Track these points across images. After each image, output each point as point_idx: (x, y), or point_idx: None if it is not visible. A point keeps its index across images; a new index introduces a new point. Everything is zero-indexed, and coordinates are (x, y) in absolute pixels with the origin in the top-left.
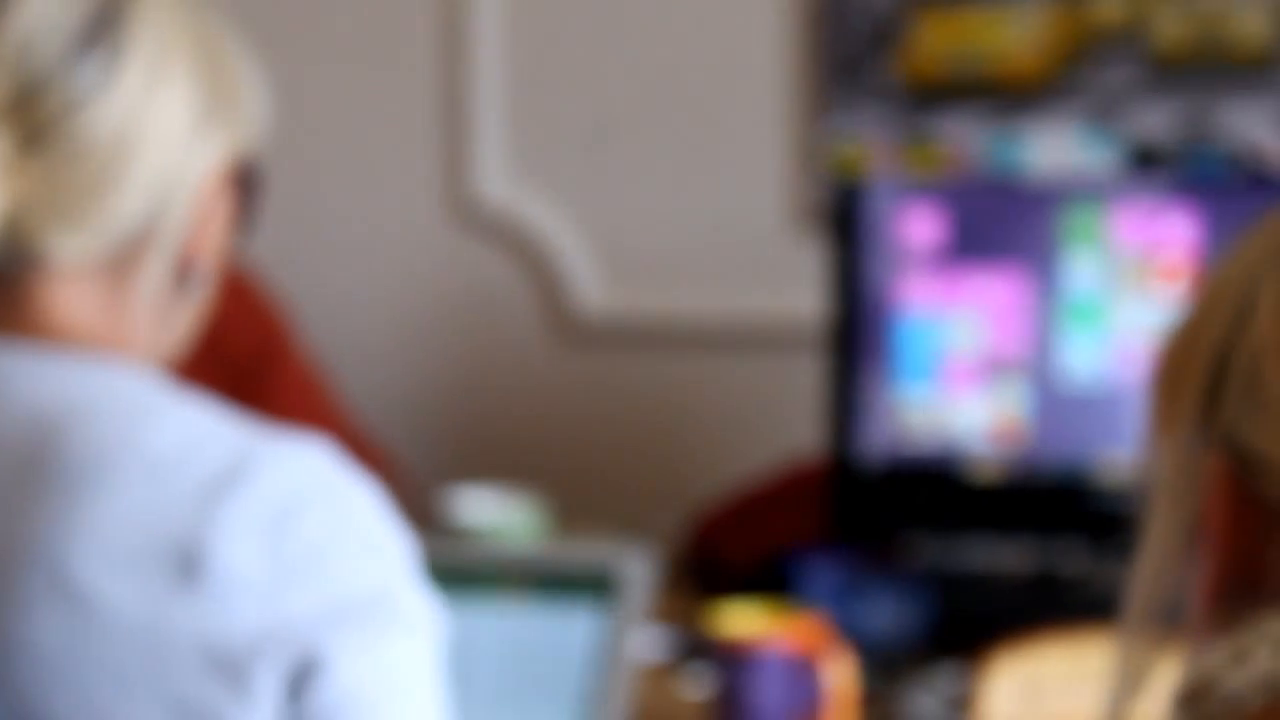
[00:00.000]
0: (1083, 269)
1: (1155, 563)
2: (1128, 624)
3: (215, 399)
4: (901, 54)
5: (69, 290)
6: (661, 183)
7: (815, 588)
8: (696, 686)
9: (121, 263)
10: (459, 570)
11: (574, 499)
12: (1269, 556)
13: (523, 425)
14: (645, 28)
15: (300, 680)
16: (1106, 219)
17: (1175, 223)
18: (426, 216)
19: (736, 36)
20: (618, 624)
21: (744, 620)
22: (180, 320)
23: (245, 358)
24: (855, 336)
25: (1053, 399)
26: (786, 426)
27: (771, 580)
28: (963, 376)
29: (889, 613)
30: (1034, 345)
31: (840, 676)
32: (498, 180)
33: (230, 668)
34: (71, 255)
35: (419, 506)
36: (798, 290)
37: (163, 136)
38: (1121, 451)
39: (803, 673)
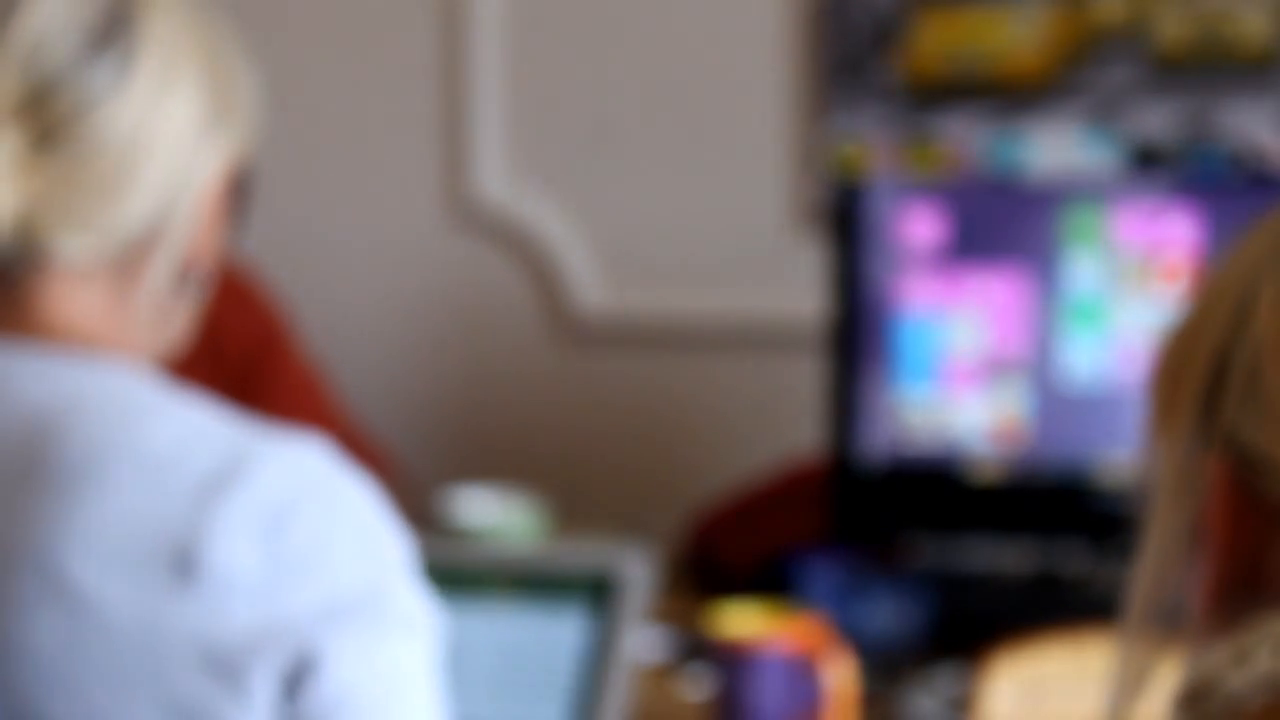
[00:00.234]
0: (1083, 269)
1: (1155, 564)
2: (1128, 625)
3: (213, 398)
4: (902, 53)
5: (73, 290)
6: (661, 183)
7: (815, 588)
8: (696, 687)
9: (127, 264)
10: (457, 571)
11: (573, 499)
12: (1269, 557)
13: (522, 425)
14: (645, 27)
15: (296, 679)
16: (1107, 219)
17: (1176, 223)
18: (426, 216)
19: (736, 36)
20: (616, 625)
21: (743, 621)
22: (178, 320)
23: (244, 357)
24: (855, 336)
25: (1053, 399)
26: (786, 426)
27: (771, 581)
28: (963, 377)
29: (889, 613)
30: (1034, 345)
31: (840, 677)
32: (497, 180)
33: (226, 667)
34: (79, 255)
35: (417, 506)
36: (798, 290)
37: (172, 139)
38: (1122, 452)
39: (803, 674)
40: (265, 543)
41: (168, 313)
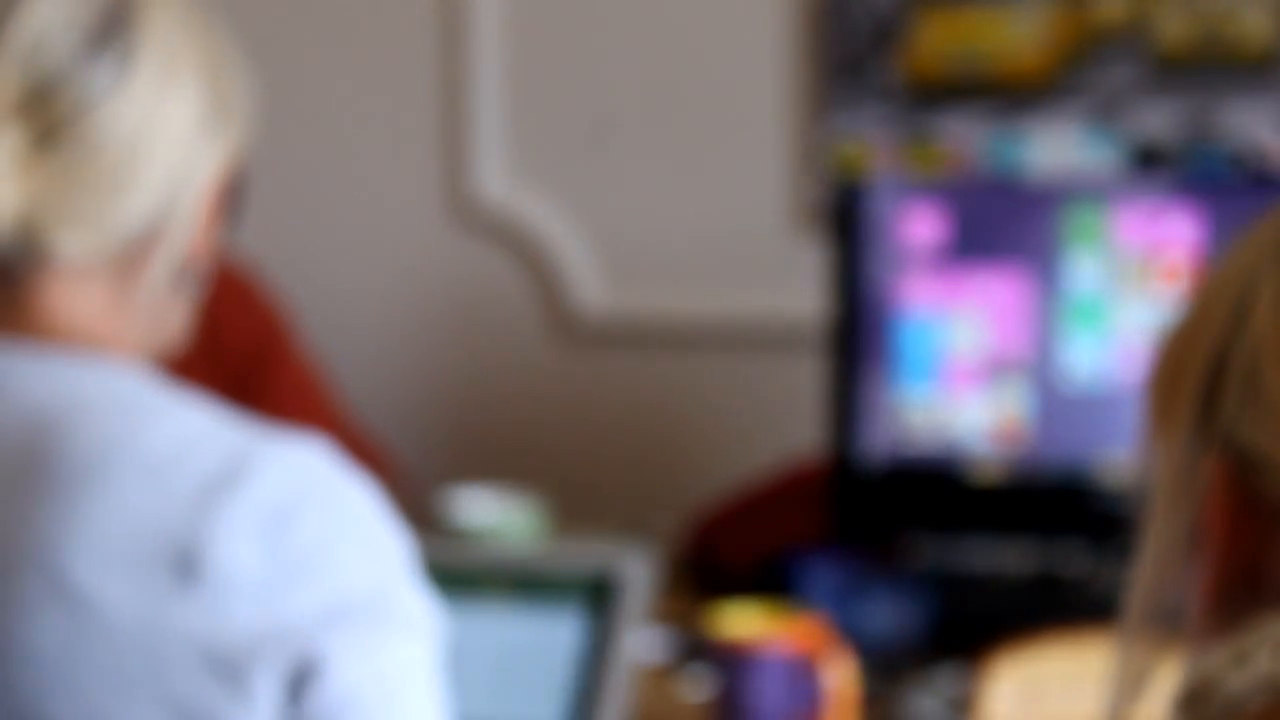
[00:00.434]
0: (1084, 269)
1: (1155, 565)
2: (1127, 626)
3: (214, 398)
4: (903, 53)
5: (74, 289)
6: (661, 182)
7: (815, 589)
8: (696, 688)
9: (127, 262)
10: (458, 571)
11: (573, 499)
12: (1269, 558)
13: (521, 425)
14: (645, 27)
15: (299, 682)
16: (1108, 219)
17: (1177, 223)
18: (426, 216)
19: (737, 35)
20: (616, 625)
21: (744, 621)
22: (176, 318)
23: (244, 357)
24: (856, 336)
25: (1054, 399)
26: (787, 427)
27: (771, 581)
28: (963, 377)
29: (889, 614)
30: (1035, 346)
31: (840, 678)
32: (497, 180)
33: (229, 669)
34: (79, 254)
35: (417, 507)
36: (798, 290)
37: (172, 137)
38: (1123, 452)
39: (803, 674)
40: (267, 544)
41: (166, 311)
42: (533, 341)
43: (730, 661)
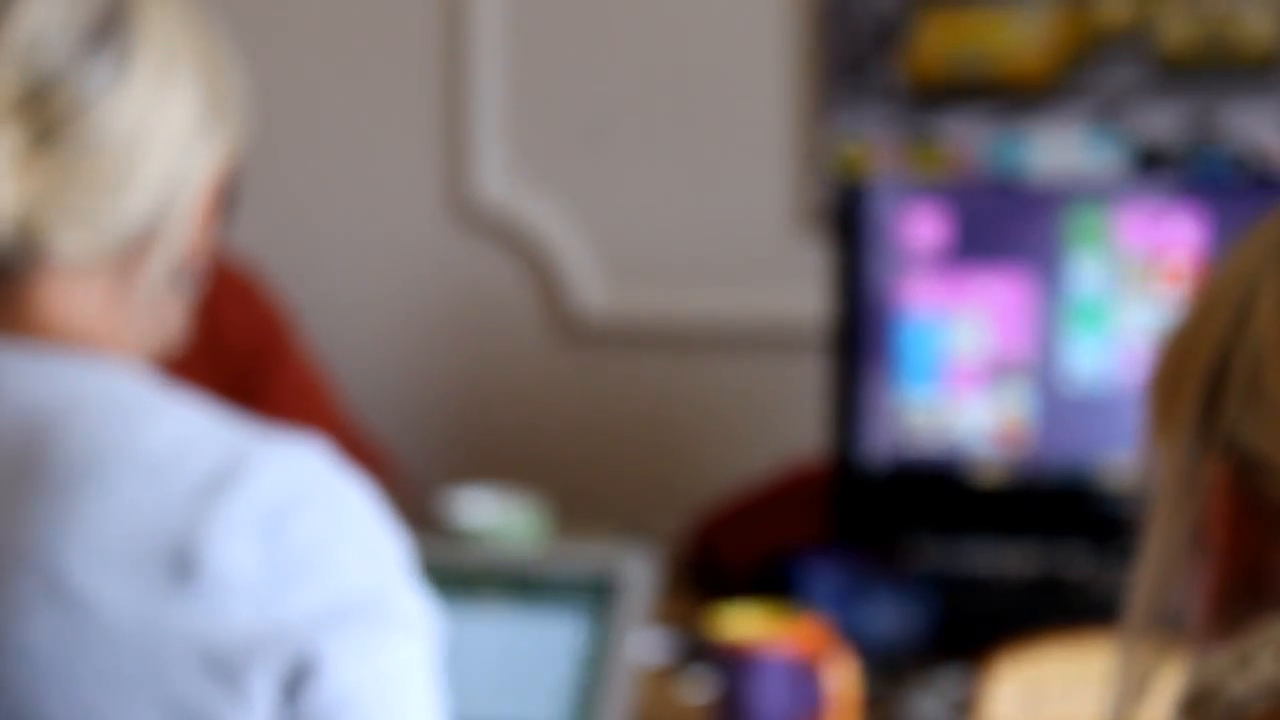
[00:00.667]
0: (1087, 271)
1: (1157, 568)
2: (1129, 629)
3: (214, 398)
4: (905, 54)
5: (72, 288)
6: (663, 183)
7: (817, 590)
8: (697, 690)
9: (125, 261)
10: (459, 573)
11: (574, 500)
12: (1272, 560)
13: (523, 426)
14: (646, 27)
15: (296, 682)
16: (1111, 220)
17: (1180, 224)
18: (427, 217)
19: (739, 35)
20: (617, 627)
21: (745, 623)
22: (174, 317)
23: (245, 357)
24: (858, 338)
25: (1057, 401)
26: (788, 428)
27: (773, 583)
28: (966, 378)
29: (891, 616)
30: (1038, 347)
31: (842, 680)
32: (498, 180)
33: (226, 669)
34: (77, 252)
35: (418, 508)
36: (800, 291)
37: (169, 136)
38: (1126, 454)
39: (804, 676)
40: (264, 544)
41: (164, 310)
42: (534, 342)
43: (731, 663)
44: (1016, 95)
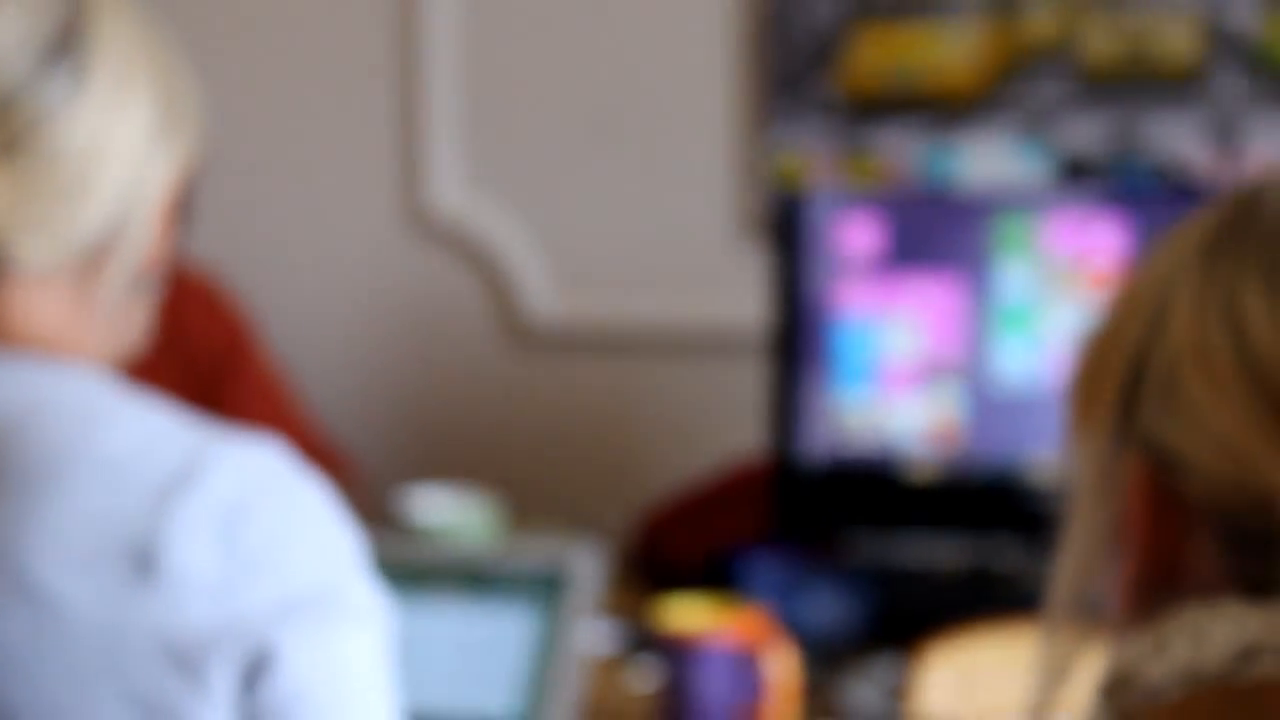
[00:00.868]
0: (1015, 276)
1: (1078, 559)
2: (1052, 617)
3: (181, 400)
4: (840, 69)
5: (35, 295)
6: (609, 193)
7: (758, 583)
8: (644, 679)
9: (86, 268)
10: (415, 568)
11: (526, 498)
12: (1186, 552)
13: (477, 427)
14: (594, 44)
15: (254, 673)
16: (1037, 228)
17: (1104, 232)
18: (383, 226)
19: (682, 52)
20: (567, 619)
21: (690, 615)
22: (135, 322)
23: (211, 361)
24: (796, 341)
25: (986, 402)
26: (730, 428)
27: (716, 576)
28: (899, 380)
29: (829, 607)
30: (968, 350)
31: (782, 668)
32: (452, 191)
33: (187, 663)
34: (39, 261)
35: (374, 505)
36: (741, 296)
37: (126, 148)
38: (1052, 452)
39: (746, 665)
40: (222, 542)
41: (126, 316)
42: (487, 346)
43: (676, 653)
44: (947, 108)
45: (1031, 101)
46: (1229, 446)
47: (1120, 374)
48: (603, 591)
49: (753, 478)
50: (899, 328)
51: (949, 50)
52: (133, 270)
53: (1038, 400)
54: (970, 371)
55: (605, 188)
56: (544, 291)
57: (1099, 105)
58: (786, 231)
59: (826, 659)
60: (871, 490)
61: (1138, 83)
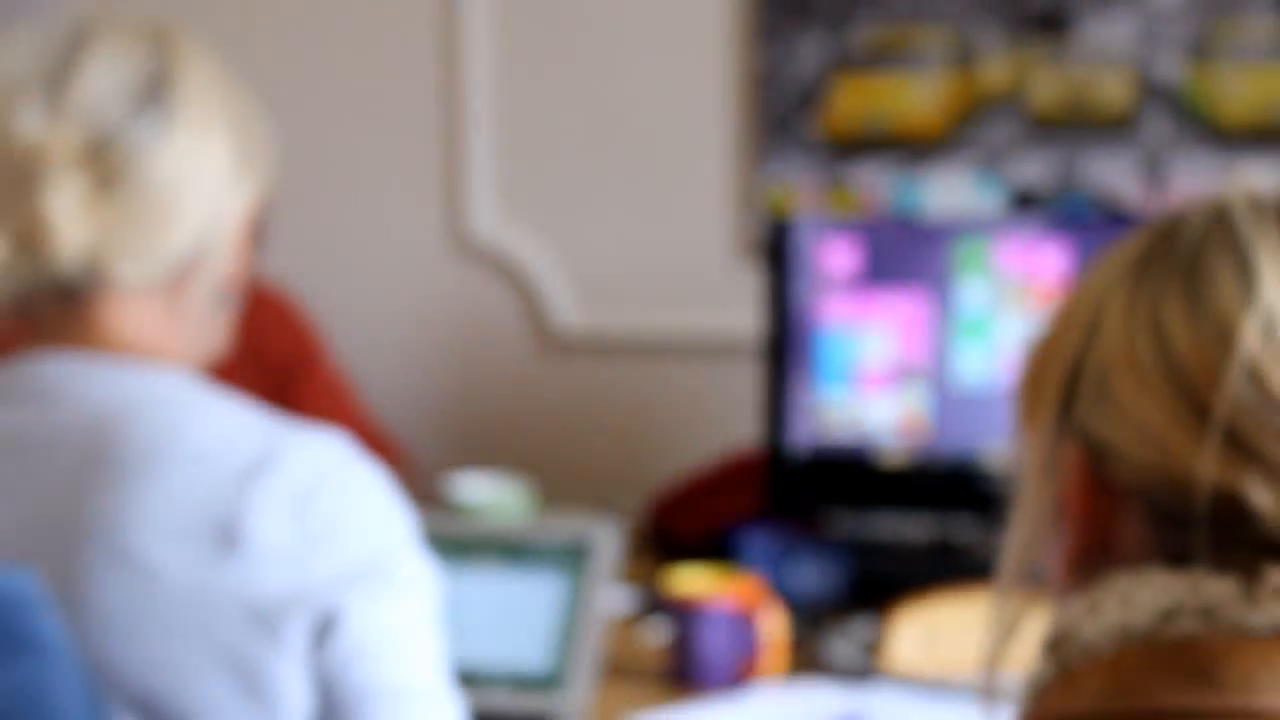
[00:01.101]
0: (972, 292)
1: (1025, 534)
2: (1003, 584)
3: (254, 398)
4: (823, 114)
5: (131, 307)
6: (625, 221)
7: (753, 554)
8: (655, 635)
9: (173, 285)
10: (460, 541)
11: (554, 482)
12: (1116, 528)
13: (511, 422)
14: (611, 94)
15: (322, 632)
16: (992, 250)
17: (1049, 254)
18: (432, 250)
19: (688, 99)
20: (590, 584)
21: (694, 581)
22: (216, 331)
23: (284, 364)
24: (785, 347)
25: (948, 399)
26: (729, 422)
27: (717, 548)
28: (874, 381)
29: (813, 574)
30: (932, 355)
31: (773, 627)
32: (489, 220)
33: (265, 622)
34: (134, 279)
35: (425, 488)
36: (738, 309)
37: (207, 181)
38: (1003, 443)
39: (743, 623)
40: (294, 519)
41: (208, 325)
42: (519, 352)
43: (683, 613)
44: (914, 148)
45: (986, 142)
46: (1153, 438)
47: (1060, 376)
48: (620, 561)
49: (748, 464)
50: (873, 336)
51: (915, 97)
52: (215, 286)
53: (992, 398)
54: (934, 373)
55: (621, 216)
56: (568, 305)
57: (1044, 145)
58: (777, 253)
59: (811, 619)
60: (849, 475)
61: (1078, 126)
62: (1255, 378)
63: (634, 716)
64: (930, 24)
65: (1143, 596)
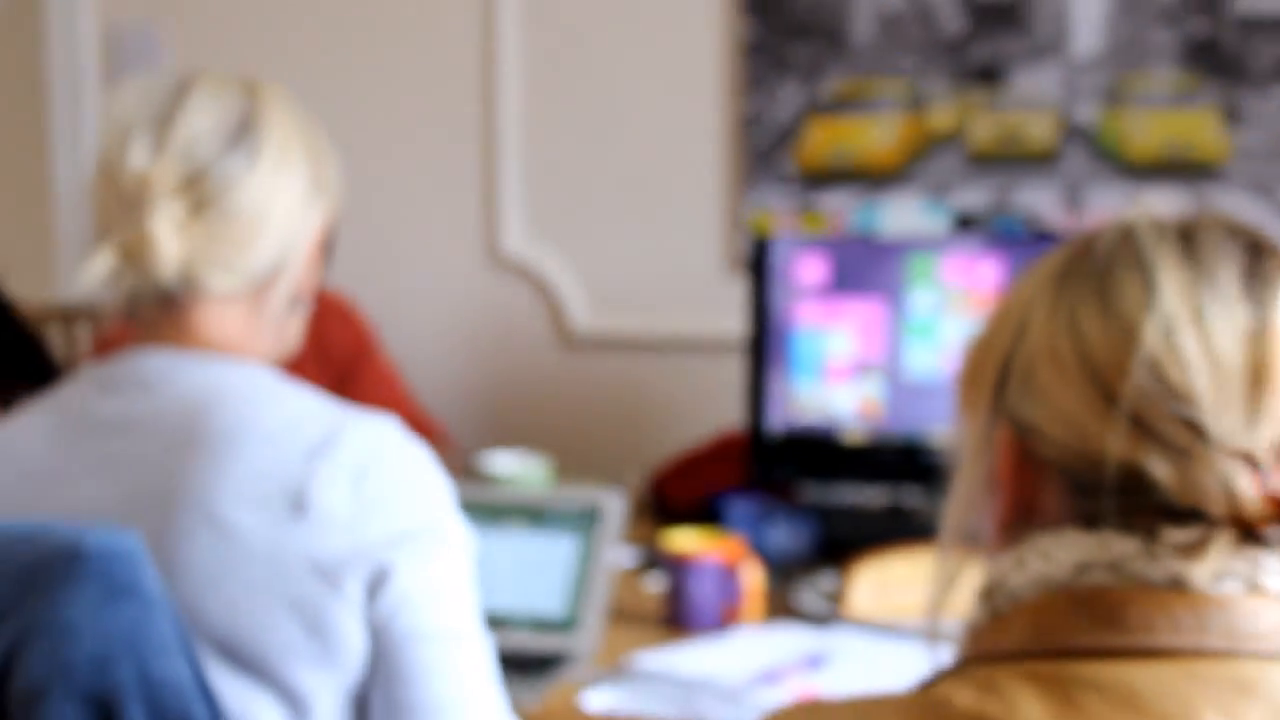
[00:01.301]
0: (922, 299)
1: (963, 501)
2: (944, 543)
3: (320, 389)
4: (797, 150)
5: (218, 312)
6: (632, 239)
7: (736, 518)
8: (654, 585)
9: (256, 293)
10: (490, 506)
11: (570, 458)
12: (1039, 496)
13: (534, 407)
14: (623, 131)
15: (375, 586)
16: (939, 265)
17: (986, 268)
18: (469, 263)
19: (686, 138)
20: (600, 543)
21: (687, 540)
22: (291, 333)
23: (343, 359)
24: (765, 345)
25: (900, 389)
26: (717, 407)
27: (706, 514)
28: (838, 373)
29: (786, 535)
30: (887, 352)
31: (752, 579)
32: (519, 239)
33: (329, 577)
34: (222, 288)
35: (461, 463)
36: (726, 313)
37: (286, 207)
38: (946, 425)
39: (728, 576)
40: (353, 490)
41: (284, 327)
42: (542, 350)
43: (677, 567)
44: (874, 179)
45: (934, 174)
46: (1070, 421)
47: (994, 369)
48: (625, 524)
49: (733, 443)
50: (838, 336)
51: (875, 136)
52: (290, 294)
53: (937, 388)
54: (889, 367)
55: (628, 235)
56: (584, 309)
57: (982, 177)
58: (758, 266)
59: (784, 572)
60: (817, 451)
61: (1010, 160)
62: (1155, 370)
63: (636, 653)
64: (888, 76)
65: (1061, 553)
